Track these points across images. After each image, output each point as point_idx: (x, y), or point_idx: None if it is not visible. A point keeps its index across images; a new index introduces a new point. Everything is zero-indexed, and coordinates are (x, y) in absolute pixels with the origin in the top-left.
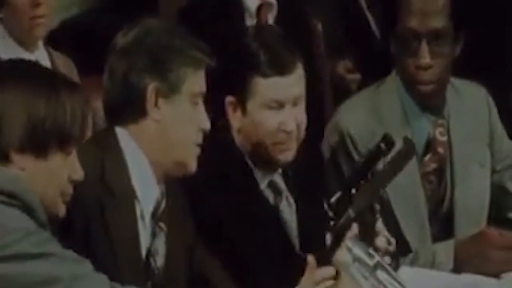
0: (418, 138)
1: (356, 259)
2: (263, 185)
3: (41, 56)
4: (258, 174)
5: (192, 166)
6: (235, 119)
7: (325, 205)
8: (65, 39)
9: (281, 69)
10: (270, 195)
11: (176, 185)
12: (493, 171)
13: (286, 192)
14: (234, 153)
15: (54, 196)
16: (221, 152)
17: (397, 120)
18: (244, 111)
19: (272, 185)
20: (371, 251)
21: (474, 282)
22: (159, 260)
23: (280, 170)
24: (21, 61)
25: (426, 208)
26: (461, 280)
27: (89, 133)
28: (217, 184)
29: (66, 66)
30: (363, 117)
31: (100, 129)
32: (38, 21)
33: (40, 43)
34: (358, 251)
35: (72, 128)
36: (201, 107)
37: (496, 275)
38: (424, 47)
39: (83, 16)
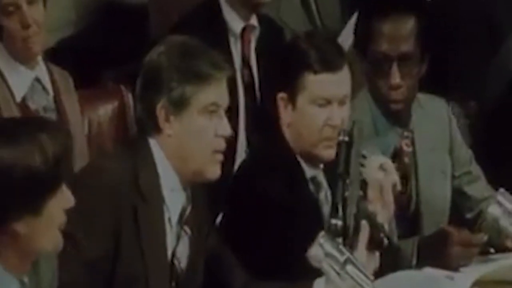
0: (386, 149)
1: (328, 254)
2: (308, 176)
3: (40, 71)
4: (304, 167)
5: (212, 173)
6: (285, 114)
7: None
8: (62, 56)
9: (330, 66)
10: (312, 189)
11: (200, 187)
12: (453, 177)
13: (326, 189)
14: (283, 146)
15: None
16: (271, 145)
17: (368, 131)
18: (294, 107)
19: (315, 180)
20: (341, 247)
21: (434, 276)
22: (183, 262)
23: (321, 166)
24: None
25: (394, 212)
26: (423, 274)
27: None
28: (265, 173)
29: (62, 77)
30: None
31: (134, 137)
32: (31, 41)
33: (39, 58)
34: (329, 247)
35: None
36: (219, 115)
37: (455, 269)
38: (395, 69)
39: (78, 35)
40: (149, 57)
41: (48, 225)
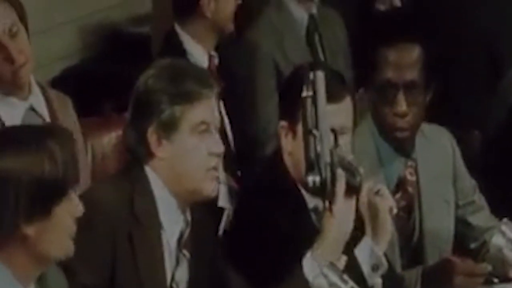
0: (390, 178)
1: (332, 284)
2: (310, 206)
3: (35, 99)
4: (305, 196)
5: (209, 190)
6: (286, 143)
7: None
8: (67, 84)
9: (331, 97)
10: (314, 219)
11: (203, 209)
12: (457, 207)
13: None
14: (284, 175)
15: (67, 242)
16: (273, 173)
17: (371, 161)
18: (294, 136)
19: (317, 210)
20: (345, 277)
21: None
22: (182, 286)
23: None
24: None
25: (397, 241)
26: None
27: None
28: (268, 202)
29: (59, 100)
30: None
31: (129, 165)
32: (20, 72)
33: (33, 86)
34: (333, 276)
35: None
36: (210, 133)
37: None
38: (401, 97)
39: (83, 64)
40: (138, 82)
41: (57, 231)
